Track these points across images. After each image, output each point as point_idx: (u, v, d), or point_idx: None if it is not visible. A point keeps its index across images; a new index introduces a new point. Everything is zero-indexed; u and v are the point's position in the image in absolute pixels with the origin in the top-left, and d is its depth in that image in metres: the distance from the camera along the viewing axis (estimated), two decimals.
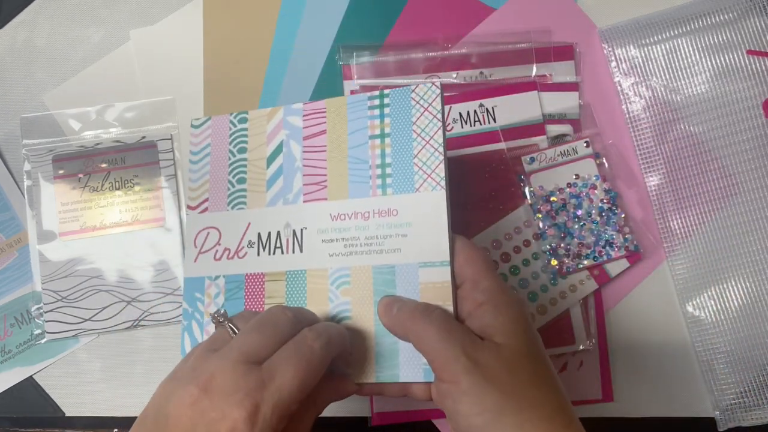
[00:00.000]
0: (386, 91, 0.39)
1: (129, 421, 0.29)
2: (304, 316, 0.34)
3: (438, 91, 0.38)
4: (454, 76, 0.52)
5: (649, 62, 0.51)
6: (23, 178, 0.51)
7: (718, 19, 0.50)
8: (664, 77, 0.51)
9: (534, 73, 0.51)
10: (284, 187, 0.40)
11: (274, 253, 0.39)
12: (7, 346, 0.49)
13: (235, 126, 0.42)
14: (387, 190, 0.37)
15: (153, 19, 0.54)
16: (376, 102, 0.39)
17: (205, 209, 0.41)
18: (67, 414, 0.49)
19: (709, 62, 0.50)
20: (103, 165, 0.51)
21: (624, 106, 0.51)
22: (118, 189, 0.51)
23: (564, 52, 0.52)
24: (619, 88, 0.51)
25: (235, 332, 0.32)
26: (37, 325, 0.49)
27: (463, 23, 0.53)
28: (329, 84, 0.52)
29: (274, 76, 0.53)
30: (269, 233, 0.39)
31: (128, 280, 0.49)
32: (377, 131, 0.39)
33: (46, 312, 0.49)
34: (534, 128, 0.50)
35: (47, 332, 0.49)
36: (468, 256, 0.35)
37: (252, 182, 0.41)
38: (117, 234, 0.50)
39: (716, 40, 0.50)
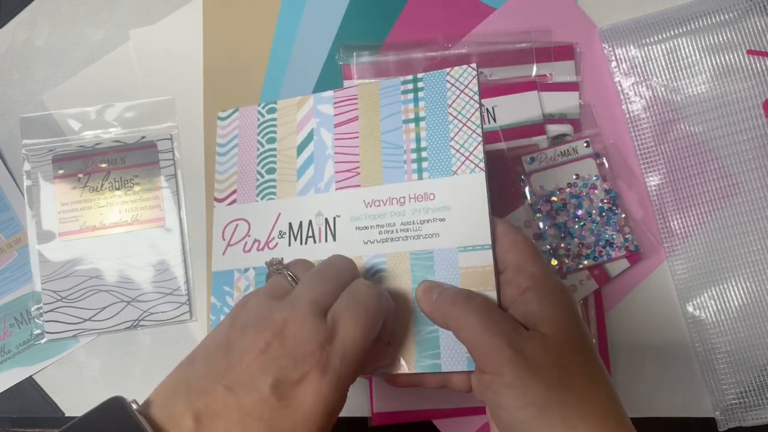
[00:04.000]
0: (420, 75, 0.38)
1: None
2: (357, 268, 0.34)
3: (474, 72, 0.37)
4: None
5: (650, 62, 0.51)
6: (23, 178, 0.51)
7: (718, 19, 0.50)
8: (664, 77, 0.51)
9: (534, 73, 0.51)
10: (315, 176, 0.39)
11: (306, 243, 0.37)
12: (7, 347, 0.49)
13: (263, 116, 0.41)
14: (423, 174, 0.36)
15: (153, 18, 0.54)
16: (410, 86, 0.39)
17: (234, 201, 0.40)
18: (67, 414, 0.49)
19: (709, 62, 0.50)
20: (103, 165, 0.51)
21: (624, 106, 0.51)
22: (118, 189, 0.51)
23: (564, 52, 0.52)
24: (619, 87, 0.51)
25: (295, 281, 0.32)
26: (36, 325, 0.49)
27: (463, 23, 0.53)
28: (329, 84, 0.52)
29: (274, 75, 0.53)
30: (300, 222, 0.38)
31: (128, 280, 0.49)
32: (411, 115, 0.38)
33: (45, 312, 0.49)
34: (534, 128, 0.50)
35: (47, 332, 0.49)
36: (512, 240, 0.33)
37: (282, 172, 0.39)
38: (117, 234, 0.50)
39: (716, 40, 0.50)
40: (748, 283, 0.48)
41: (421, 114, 0.38)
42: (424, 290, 0.33)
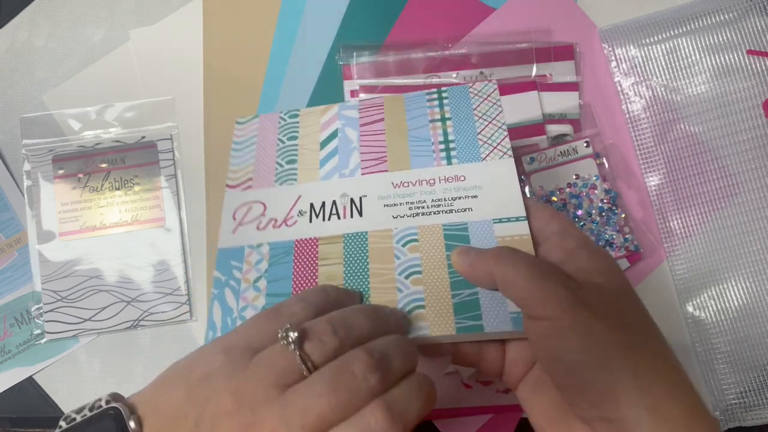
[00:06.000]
0: (444, 88, 0.40)
1: None
2: (391, 363, 0.27)
3: (495, 86, 0.40)
4: (454, 76, 0.51)
5: (649, 62, 0.51)
6: (23, 178, 0.51)
7: (718, 19, 0.50)
8: (664, 77, 0.51)
9: (534, 73, 0.51)
10: (340, 164, 0.38)
11: (329, 220, 0.36)
12: (7, 346, 0.49)
13: (285, 120, 0.41)
14: (452, 161, 0.37)
15: (153, 19, 0.54)
16: (435, 96, 0.40)
17: (249, 187, 0.39)
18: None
19: (709, 62, 0.50)
20: (103, 165, 0.51)
21: (624, 106, 0.51)
22: (118, 189, 0.51)
23: (564, 52, 0.52)
24: (619, 88, 0.51)
25: (308, 369, 0.27)
26: (36, 325, 0.49)
27: (463, 23, 0.53)
28: (329, 84, 0.52)
29: (274, 76, 0.53)
30: (323, 202, 0.37)
31: (128, 280, 0.49)
32: (438, 116, 0.39)
33: (45, 312, 0.49)
34: (534, 128, 0.50)
35: (47, 332, 0.49)
36: (550, 213, 0.33)
37: (303, 162, 0.39)
38: (117, 234, 0.50)
39: (716, 40, 0.50)
40: (748, 283, 0.48)
41: (447, 115, 0.39)
42: (460, 253, 0.32)
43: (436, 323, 0.32)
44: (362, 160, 0.38)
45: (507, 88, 0.51)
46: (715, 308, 0.48)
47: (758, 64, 0.50)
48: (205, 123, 0.52)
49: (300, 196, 0.37)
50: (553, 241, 0.32)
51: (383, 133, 0.39)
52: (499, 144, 0.37)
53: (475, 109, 0.39)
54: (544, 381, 0.30)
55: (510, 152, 0.36)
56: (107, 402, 0.28)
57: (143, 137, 0.52)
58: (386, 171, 0.37)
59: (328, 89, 0.52)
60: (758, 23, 0.50)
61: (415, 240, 0.35)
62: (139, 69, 0.53)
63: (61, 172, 0.51)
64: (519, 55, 0.52)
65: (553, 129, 0.50)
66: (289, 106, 0.52)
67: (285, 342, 0.27)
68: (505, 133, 0.37)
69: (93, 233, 0.50)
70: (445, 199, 0.36)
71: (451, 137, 0.38)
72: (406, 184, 0.36)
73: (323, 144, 0.39)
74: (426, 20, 0.53)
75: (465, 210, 0.35)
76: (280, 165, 0.39)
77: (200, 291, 0.50)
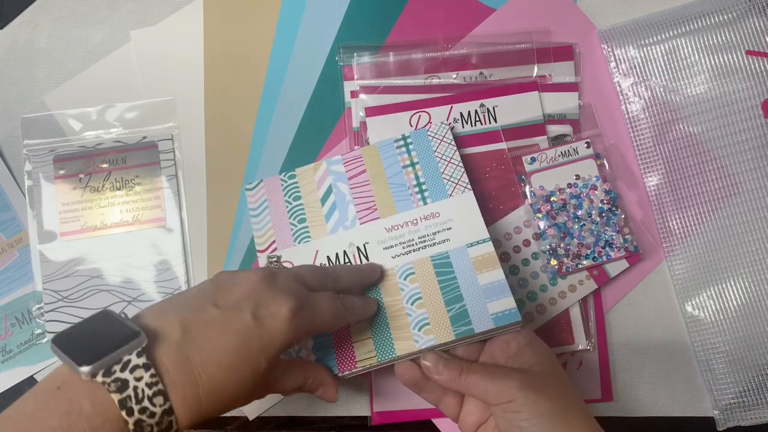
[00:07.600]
0: (407, 134, 0.48)
1: None
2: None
3: (447, 127, 0.48)
4: (454, 76, 0.52)
5: (649, 62, 0.51)
6: (24, 178, 0.52)
7: (717, 20, 0.50)
8: (663, 77, 0.51)
9: (535, 74, 0.51)
10: (341, 218, 0.46)
11: None
12: (8, 346, 0.49)
13: (286, 182, 0.48)
14: (427, 200, 0.45)
15: (153, 19, 0.54)
16: (401, 143, 0.48)
17: (275, 249, 0.46)
18: None
19: (708, 62, 0.50)
20: (104, 165, 0.51)
21: (623, 107, 0.51)
22: (119, 189, 0.51)
23: (564, 53, 0.52)
24: (618, 88, 0.51)
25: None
26: (38, 325, 0.49)
27: (463, 23, 0.53)
28: (329, 84, 0.52)
29: (274, 76, 0.53)
30: (336, 254, 0.45)
31: (129, 280, 0.49)
32: (407, 162, 0.47)
33: (47, 312, 0.49)
34: (535, 128, 0.50)
35: (48, 332, 0.49)
36: None
37: (312, 219, 0.47)
38: (118, 234, 0.50)
39: (716, 41, 0.50)
40: (746, 283, 0.48)
41: (415, 160, 0.47)
42: (431, 369, 0.40)
43: (440, 334, 0.41)
44: (357, 211, 0.46)
45: (507, 88, 0.51)
46: (714, 308, 0.48)
47: (757, 65, 0.50)
48: (206, 123, 0.52)
49: (318, 251, 0.45)
50: (510, 337, 0.41)
51: (368, 184, 0.47)
52: (459, 180, 0.46)
53: (435, 150, 0.47)
54: None
55: (468, 186, 0.45)
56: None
57: (144, 137, 0.52)
58: (378, 218, 0.46)
59: (328, 90, 0.52)
60: (757, 24, 0.50)
61: (412, 273, 0.43)
62: (140, 69, 0.53)
63: (62, 172, 0.51)
64: (519, 56, 0.52)
65: (553, 129, 0.51)
66: (288, 106, 0.52)
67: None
68: (463, 169, 0.46)
69: (94, 233, 0.50)
70: (427, 235, 0.44)
71: (422, 179, 0.46)
72: (396, 227, 0.45)
73: (323, 200, 0.47)
74: (426, 21, 0.53)
75: (444, 241, 0.44)
76: (294, 225, 0.47)
77: None
